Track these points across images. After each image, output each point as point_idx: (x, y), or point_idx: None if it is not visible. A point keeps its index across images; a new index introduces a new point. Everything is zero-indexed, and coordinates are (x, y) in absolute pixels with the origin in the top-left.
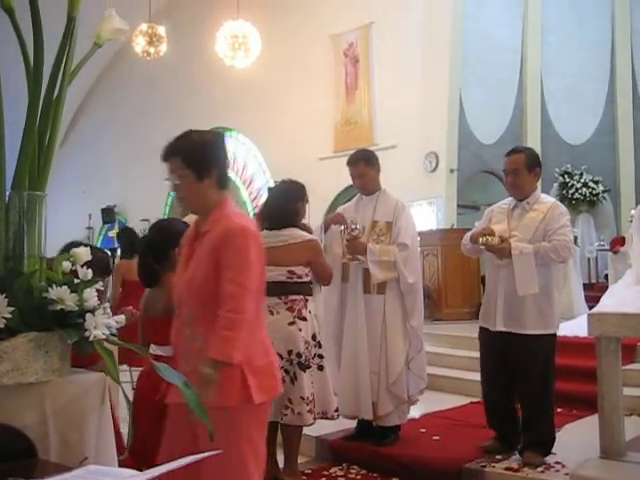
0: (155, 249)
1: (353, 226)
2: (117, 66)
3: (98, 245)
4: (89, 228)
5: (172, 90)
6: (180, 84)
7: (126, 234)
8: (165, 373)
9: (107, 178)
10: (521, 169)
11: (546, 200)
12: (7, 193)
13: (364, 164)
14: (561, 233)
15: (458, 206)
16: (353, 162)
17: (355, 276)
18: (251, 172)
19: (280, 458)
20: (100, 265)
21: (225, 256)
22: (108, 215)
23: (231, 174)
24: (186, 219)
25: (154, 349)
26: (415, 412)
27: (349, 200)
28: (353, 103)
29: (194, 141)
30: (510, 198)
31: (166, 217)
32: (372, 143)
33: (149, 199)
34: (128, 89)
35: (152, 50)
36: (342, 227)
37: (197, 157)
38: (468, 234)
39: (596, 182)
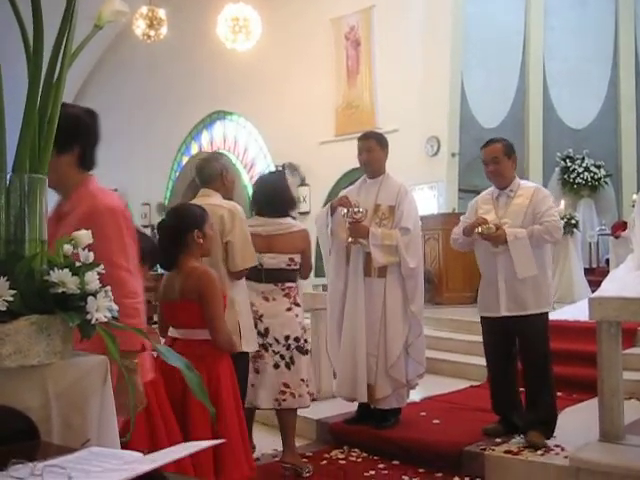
0: (172, 233)
1: (356, 209)
2: (117, 49)
3: None
4: None
5: (173, 73)
6: (181, 67)
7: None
8: (167, 355)
9: (108, 161)
10: (501, 157)
11: (528, 185)
12: (8, 176)
13: (375, 141)
14: (550, 214)
15: (459, 190)
16: (364, 137)
17: (356, 259)
18: (252, 156)
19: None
20: (154, 254)
21: (97, 239)
22: None
23: (232, 157)
24: (196, 201)
25: (172, 332)
26: (415, 396)
27: (351, 184)
28: (354, 87)
29: (60, 113)
30: (492, 188)
31: (167, 200)
32: (374, 127)
33: (150, 183)
34: (129, 72)
35: (152, 33)
36: (345, 210)
37: (58, 129)
38: (457, 229)
39: (598, 166)
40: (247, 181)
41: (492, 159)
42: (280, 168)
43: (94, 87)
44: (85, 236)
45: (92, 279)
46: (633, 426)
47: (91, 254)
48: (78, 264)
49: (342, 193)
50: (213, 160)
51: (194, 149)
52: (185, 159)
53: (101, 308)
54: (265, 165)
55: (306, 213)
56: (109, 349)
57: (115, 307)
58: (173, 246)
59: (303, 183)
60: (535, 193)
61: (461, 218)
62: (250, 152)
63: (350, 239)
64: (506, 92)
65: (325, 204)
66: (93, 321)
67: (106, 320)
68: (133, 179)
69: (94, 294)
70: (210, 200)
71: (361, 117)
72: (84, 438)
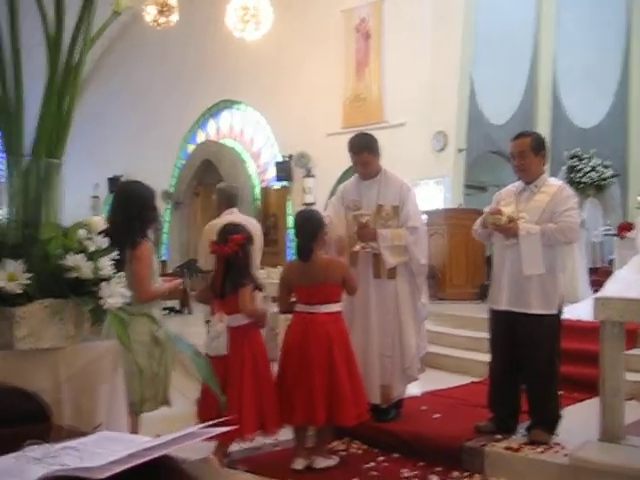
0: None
1: (359, 212)
2: (127, 35)
3: (103, 214)
4: (95, 197)
5: (182, 61)
6: (190, 55)
7: None
8: (176, 341)
9: (115, 147)
10: (527, 152)
11: (554, 183)
12: (25, 160)
13: (367, 153)
14: (568, 215)
15: (465, 186)
16: (356, 151)
17: (364, 261)
18: (259, 146)
19: None
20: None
21: None
22: (114, 185)
23: (238, 147)
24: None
25: (302, 307)
26: (416, 390)
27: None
28: (363, 79)
29: None
30: (518, 182)
31: (173, 188)
32: (381, 120)
33: (156, 169)
34: (138, 59)
35: (162, 20)
36: (353, 213)
37: None
38: (479, 220)
39: (605, 166)
40: (253, 171)
41: (519, 153)
42: (287, 159)
43: (103, 72)
44: (99, 222)
45: (105, 265)
46: (633, 427)
47: (105, 239)
48: (91, 249)
49: (339, 189)
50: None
51: (200, 137)
52: (191, 147)
53: (114, 294)
54: (272, 155)
55: (312, 204)
56: (119, 335)
57: (127, 294)
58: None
59: (309, 174)
60: (558, 191)
61: (485, 209)
62: (257, 142)
63: (358, 246)
64: (515, 89)
65: (330, 196)
66: (106, 306)
67: (119, 306)
68: (139, 165)
69: (107, 280)
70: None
71: (369, 110)
72: (93, 422)
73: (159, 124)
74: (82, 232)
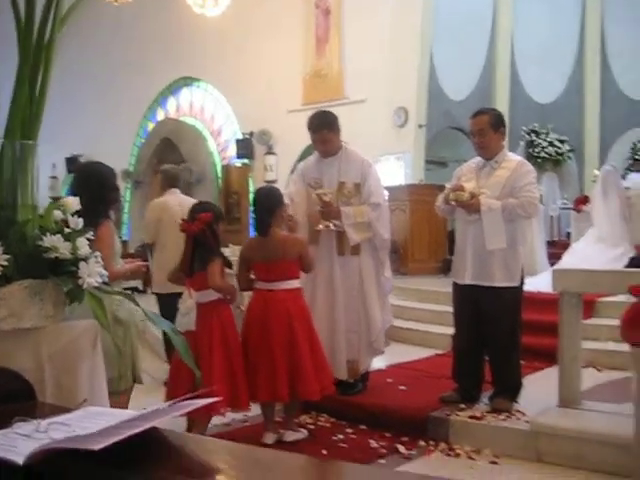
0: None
1: (322, 191)
2: (82, 10)
3: (62, 194)
4: (53, 177)
5: (139, 37)
6: (148, 31)
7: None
8: (153, 317)
9: (72, 126)
10: (487, 129)
11: (513, 158)
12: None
13: (327, 130)
14: (527, 190)
15: (426, 162)
16: (316, 129)
17: (327, 239)
18: (219, 123)
19: None
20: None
21: None
22: (73, 165)
23: (199, 125)
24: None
25: (262, 285)
26: (382, 363)
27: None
28: (323, 56)
29: None
30: (478, 158)
31: (133, 167)
32: (342, 96)
33: (116, 148)
34: (93, 35)
35: None
36: (316, 192)
37: None
38: (441, 195)
39: (562, 141)
40: (214, 148)
41: (478, 131)
42: (248, 136)
43: (58, 49)
44: (74, 203)
45: (83, 245)
46: (589, 392)
47: (80, 220)
48: (68, 230)
49: (299, 167)
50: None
51: (160, 115)
52: (151, 125)
53: (92, 273)
54: (232, 133)
55: (274, 182)
56: (96, 314)
57: (105, 272)
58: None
59: (270, 151)
60: (518, 166)
61: (446, 184)
62: (217, 119)
63: (322, 225)
64: (475, 65)
65: (291, 172)
66: (85, 286)
67: (97, 285)
68: (98, 144)
69: (85, 259)
70: None
71: (329, 86)
72: (75, 399)
73: (117, 102)
74: (57, 213)
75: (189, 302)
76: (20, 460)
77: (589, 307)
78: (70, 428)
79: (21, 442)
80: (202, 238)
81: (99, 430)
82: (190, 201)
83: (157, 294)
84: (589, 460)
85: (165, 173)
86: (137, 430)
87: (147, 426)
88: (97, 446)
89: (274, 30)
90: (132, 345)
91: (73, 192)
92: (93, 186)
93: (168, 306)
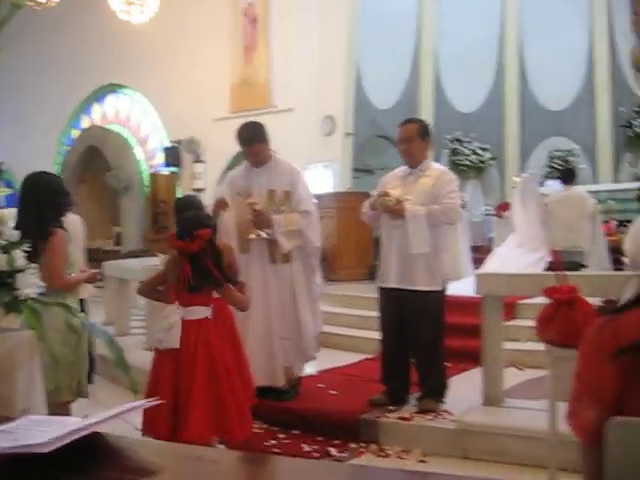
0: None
1: (252, 200)
2: (3, 14)
3: None
4: None
5: (64, 44)
6: (72, 37)
7: None
8: (90, 326)
9: None
10: (415, 137)
11: (436, 167)
12: None
13: (258, 143)
14: (450, 197)
15: (353, 170)
16: (247, 143)
17: (258, 248)
18: (146, 131)
19: None
20: None
21: None
22: None
23: (125, 133)
24: None
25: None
26: (312, 369)
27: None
28: (251, 64)
29: None
30: (404, 166)
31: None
32: (269, 105)
33: (39, 155)
34: (16, 41)
35: (43, 0)
36: (246, 201)
37: None
38: (366, 202)
39: (484, 149)
40: (141, 156)
41: (406, 138)
42: (176, 144)
43: None
44: (8, 214)
45: (19, 256)
46: (511, 391)
47: (16, 232)
48: (2, 242)
49: (228, 176)
50: None
51: (85, 122)
52: (76, 133)
53: (29, 284)
54: (160, 141)
55: (201, 190)
56: (33, 326)
57: (41, 284)
58: None
59: (198, 160)
60: (441, 175)
61: (372, 192)
62: (144, 127)
63: (253, 235)
64: (400, 74)
65: (219, 183)
66: (22, 297)
67: (34, 296)
68: (20, 151)
69: (22, 271)
70: None
71: (257, 94)
72: (12, 408)
73: (39, 108)
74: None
75: (173, 318)
76: None
77: (510, 309)
78: (15, 435)
79: None
80: (202, 255)
81: (49, 438)
82: (73, 218)
83: None
84: (512, 454)
85: None
86: (87, 432)
87: (95, 429)
88: (46, 449)
89: (202, 38)
90: (81, 356)
91: (23, 202)
92: (42, 194)
93: None
